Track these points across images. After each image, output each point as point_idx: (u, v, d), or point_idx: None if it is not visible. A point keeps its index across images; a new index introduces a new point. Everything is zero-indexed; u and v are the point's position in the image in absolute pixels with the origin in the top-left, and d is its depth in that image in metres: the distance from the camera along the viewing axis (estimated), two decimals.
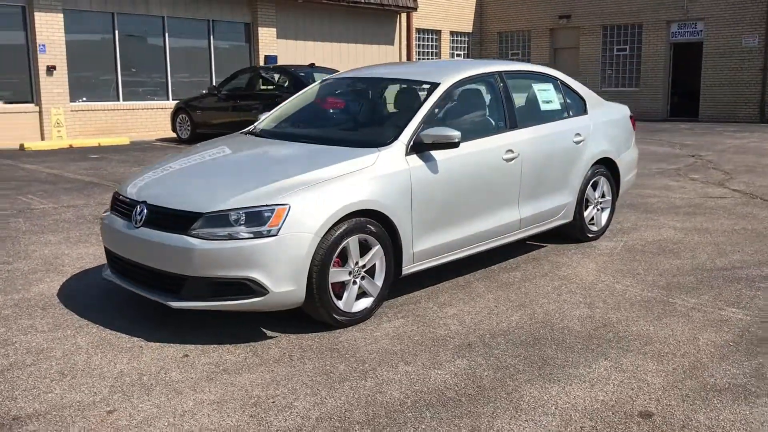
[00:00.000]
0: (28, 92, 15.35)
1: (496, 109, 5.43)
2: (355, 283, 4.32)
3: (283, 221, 3.95)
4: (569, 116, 6.03)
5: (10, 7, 14.94)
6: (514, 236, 5.47)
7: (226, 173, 4.45)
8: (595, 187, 6.24)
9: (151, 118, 17.22)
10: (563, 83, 6.12)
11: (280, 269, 3.94)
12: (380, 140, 4.66)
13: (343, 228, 4.16)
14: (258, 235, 3.91)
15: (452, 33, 26.29)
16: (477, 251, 5.20)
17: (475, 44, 27.20)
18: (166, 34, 17.55)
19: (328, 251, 4.10)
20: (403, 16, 23.32)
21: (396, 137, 4.64)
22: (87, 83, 16.32)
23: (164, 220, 4.11)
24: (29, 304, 4.71)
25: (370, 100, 5.58)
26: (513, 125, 5.40)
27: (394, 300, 4.80)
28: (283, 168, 4.38)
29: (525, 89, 5.86)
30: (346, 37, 21.68)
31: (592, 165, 6.12)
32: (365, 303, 4.41)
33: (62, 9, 15.46)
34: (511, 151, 5.26)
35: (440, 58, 25.66)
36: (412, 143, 4.63)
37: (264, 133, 5.35)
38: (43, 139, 15.36)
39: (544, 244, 6.23)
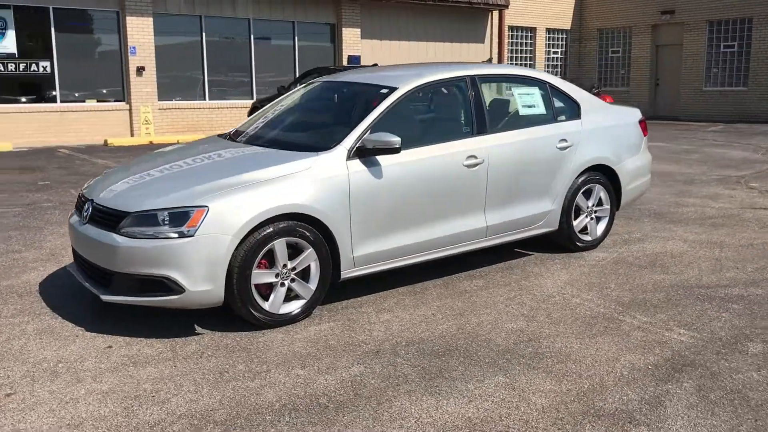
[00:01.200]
0: (120, 92, 16.47)
1: (462, 114, 5.34)
2: (283, 285, 4.41)
3: (201, 222, 4.10)
4: (556, 121, 5.81)
5: (106, 13, 16.07)
6: (481, 243, 5.37)
7: (170, 175, 4.66)
8: (588, 195, 5.99)
9: (235, 116, 17.98)
10: (553, 87, 5.90)
11: (197, 269, 4.10)
12: (324, 145, 4.72)
13: (268, 231, 4.26)
14: (177, 235, 4.09)
15: (548, 30, 25.62)
16: (435, 257, 5.15)
17: (574, 42, 26.37)
18: (251, 36, 18.25)
19: (250, 253, 4.21)
20: (495, 13, 22.98)
21: (339, 142, 4.69)
22: (175, 83, 17.27)
23: (102, 218, 4.37)
24: (10, 291, 5.14)
25: (335, 105, 5.64)
26: (481, 131, 5.28)
27: (338, 303, 4.85)
28: (223, 171, 4.53)
29: (503, 94, 5.71)
30: (433, 36, 21.65)
31: (584, 172, 5.88)
32: (296, 305, 4.49)
33: (152, 13, 16.45)
34: (473, 157, 5.15)
35: (535, 56, 25.10)
36: (355, 148, 4.65)
37: (234, 136, 5.53)
38: (132, 135, 16.43)
39: (530, 252, 6.05)
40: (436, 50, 21.74)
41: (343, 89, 5.64)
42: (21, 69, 15.17)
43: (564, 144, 5.73)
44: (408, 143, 4.99)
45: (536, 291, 5.05)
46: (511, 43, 24.47)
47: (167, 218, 4.13)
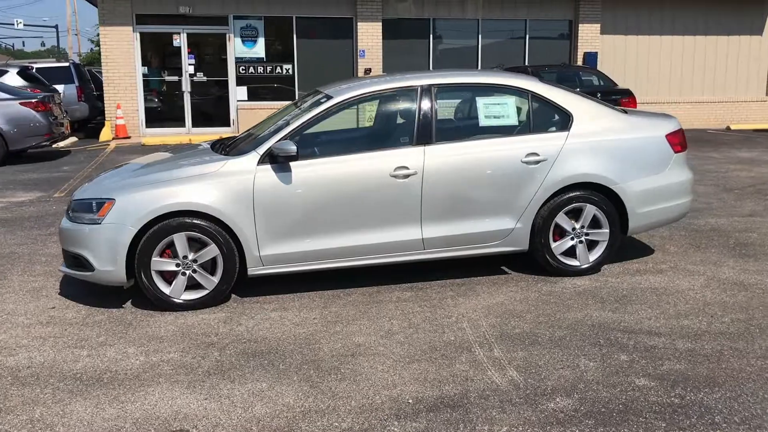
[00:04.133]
0: None
1: (403, 124, 5.28)
2: (184, 274, 4.97)
3: (108, 212, 4.86)
4: (530, 132, 5.37)
5: (341, 20, 17.74)
6: (419, 256, 5.27)
7: (119, 172, 5.46)
8: (577, 215, 5.42)
9: None
10: (536, 96, 5.44)
11: (102, 251, 4.87)
12: (242, 150, 5.14)
13: (166, 224, 4.85)
14: (91, 222, 4.90)
15: None
16: (363, 264, 5.22)
17: None
18: (479, 36, 18.53)
19: (150, 242, 4.85)
20: None
21: (255, 147, 5.07)
22: None
23: (67, 206, 5.38)
24: (42, 253, 6.46)
25: (297, 113, 5.88)
26: (423, 141, 5.18)
27: (262, 297, 5.22)
28: (159, 170, 5.20)
29: (465, 103, 5.45)
30: (693, 30, 19.57)
31: (567, 189, 5.34)
32: (197, 294, 5.01)
33: (382, 18, 17.70)
34: (404, 167, 5.09)
35: None
36: (267, 154, 4.99)
37: (226, 140, 6.13)
38: None
39: (509, 271, 5.67)
40: (695, 45, 19.63)
41: (308, 97, 5.90)
42: (268, 71, 17.54)
43: (534, 158, 5.27)
44: (334, 151, 5.16)
45: (443, 311, 4.84)
46: None
47: (89, 207, 4.96)
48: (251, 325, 4.69)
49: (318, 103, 5.29)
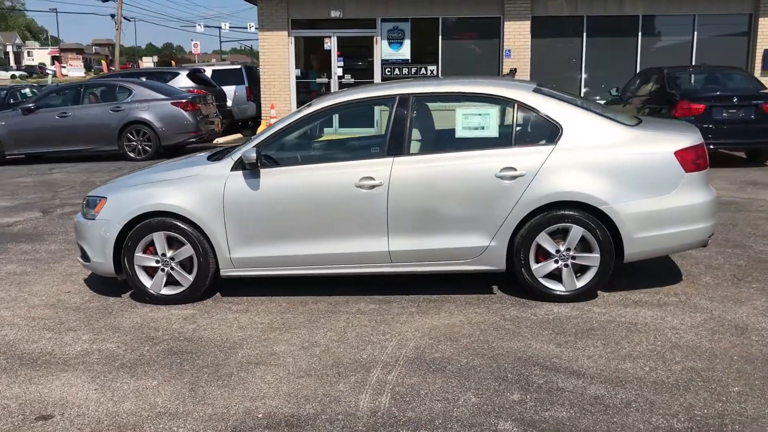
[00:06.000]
0: None
1: (377, 135, 5.18)
2: (163, 270, 5.33)
3: (102, 210, 5.35)
4: (511, 146, 5.02)
5: (488, 19, 17.43)
6: (387, 268, 5.17)
7: (130, 172, 5.95)
8: (563, 236, 4.99)
9: None
10: (523, 106, 5.06)
11: (95, 245, 5.38)
12: (223, 155, 5.38)
13: (147, 223, 5.24)
14: (89, 217, 5.43)
15: None
16: (332, 272, 5.25)
17: None
18: (639, 33, 17.26)
19: (134, 239, 5.28)
20: None
21: (233, 153, 5.29)
22: (548, 83, 17.62)
23: None
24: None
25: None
26: (394, 152, 5.06)
27: (239, 298, 5.45)
28: (158, 173, 5.60)
29: (445, 113, 5.20)
30: None
31: (549, 207, 4.94)
32: (175, 290, 5.35)
33: (530, 16, 17.13)
34: (370, 178, 5.03)
35: None
36: (239, 161, 5.19)
37: None
38: None
39: (495, 291, 5.34)
40: None
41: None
42: (413, 72, 17.75)
43: (511, 173, 4.93)
44: (306, 160, 5.24)
45: (386, 327, 4.72)
46: None
47: (90, 204, 5.50)
48: (203, 324, 4.92)
49: (299, 111, 5.38)
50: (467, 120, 5.15)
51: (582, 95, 17.44)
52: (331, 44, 17.81)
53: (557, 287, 5.06)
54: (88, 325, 4.96)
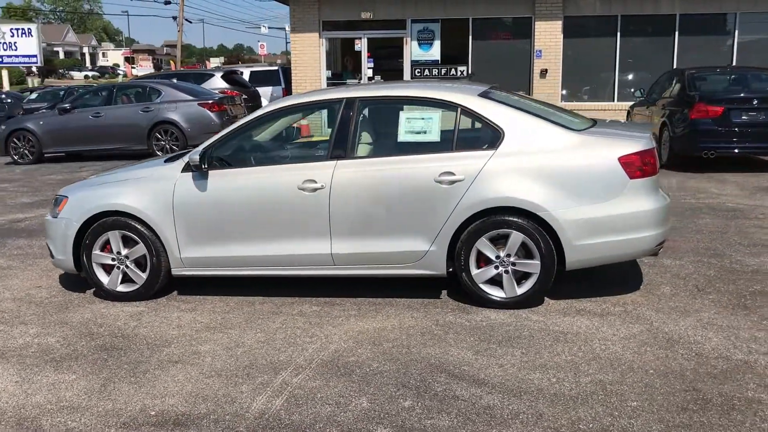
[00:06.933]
0: (525, 93, 17.45)
1: (323, 139, 5.21)
2: (118, 268, 5.49)
3: (63, 208, 5.55)
4: (452, 150, 4.97)
5: (518, 19, 17.24)
6: (330, 271, 5.20)
7: (105, 174, 6.14)
8: (504, 241, 4.91)
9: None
10: (467, 111, 5.00)
11: (57, 242, 5.59)
12: (177, 157, 5.51)
13: (103, 222, 5.41)
14: (52, 216, 5.65)
15: None
16: (279, 274, 5.31)
17: None
18: (676, 33, 16.74)
19: (92, 237, 5.46)
20: None
21: (185, 155, 5.42)
22: (582, 84, 17.29)
23: None
24: None
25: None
26: (338, 156, 5.08)
27: (193, 297, 5.57)
28: (122, 172, 5.78)
29: (391, 117, 5.19)
30: None
31: (488, 212, 4.87)
32: (130, 287, 5.50)
33: (562, 16, 16.83)
34: (312, 181, 5.06)
35: None
36: (188, 162, 5.31)
37: None
38: None
39: (442, 297, 5.30)
40: None
41: None
42: (442, 73, 17.69)
43: (450, 177, 4.88)
44: (255, 162, 5.32)
45: (317, 330, 4.74)
46: None
47: (55, 202, 5.71)
48: (146, 321, 5.05)
49: (251, 114, 5.45)
50: (410, 124, 5.13)
51: (615, 97, 17.07)
52: (362, 45, 17.89)
53: (498, 293, 4.99)
54: (40, 320, 5.15)
